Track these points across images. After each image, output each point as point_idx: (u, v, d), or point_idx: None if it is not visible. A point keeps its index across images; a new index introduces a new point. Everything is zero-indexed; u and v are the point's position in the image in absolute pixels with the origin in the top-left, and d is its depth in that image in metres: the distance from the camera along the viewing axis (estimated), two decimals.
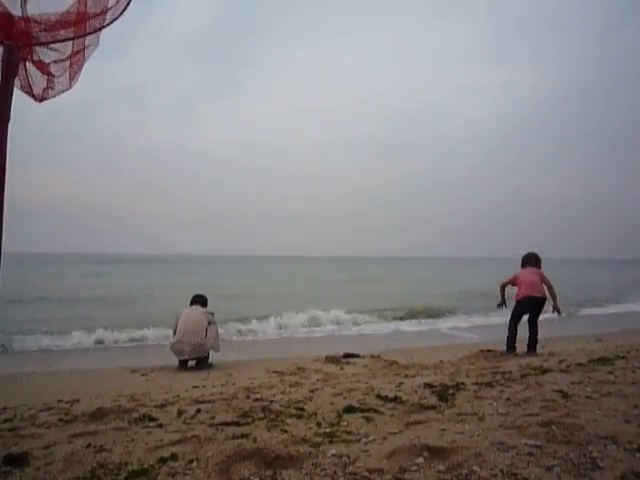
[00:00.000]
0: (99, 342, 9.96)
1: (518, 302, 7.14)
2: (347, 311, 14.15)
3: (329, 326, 12.75)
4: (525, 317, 7.16)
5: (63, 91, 2.03)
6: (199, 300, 7.56)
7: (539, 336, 7.08)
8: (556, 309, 7.26)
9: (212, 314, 7.38)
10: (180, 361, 7.01)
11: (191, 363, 7.04)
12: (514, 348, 7.00)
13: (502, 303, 7.47)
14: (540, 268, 7.32)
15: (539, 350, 6.99)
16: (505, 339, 7.13)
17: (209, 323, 7.15)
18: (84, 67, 1.98)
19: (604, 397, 3.51)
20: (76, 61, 1.94)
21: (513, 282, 7.32)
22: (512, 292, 7.34)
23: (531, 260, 7.39)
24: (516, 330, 7.07)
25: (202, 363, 7.07)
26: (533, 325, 7.10)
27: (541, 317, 7.13)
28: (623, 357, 5.49)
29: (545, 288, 7.08)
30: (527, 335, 7.08)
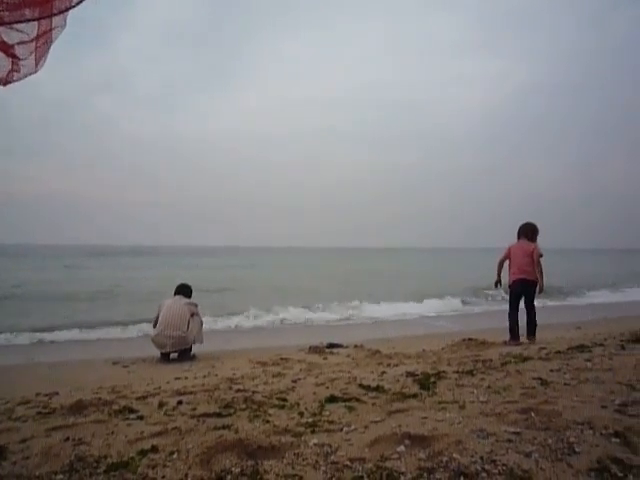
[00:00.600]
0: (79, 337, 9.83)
1: (510, 287, 6.83)
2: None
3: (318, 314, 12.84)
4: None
5: (29, 74, 1.96)
6: (183, 290, 7.44)
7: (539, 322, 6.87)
8: (539, 287, 6.79)
9: (196, 305, 7.28)
10: (162, 354, 6.96)
11: (173, 355, 7.00)
12: (518, 336, 6.76)
13: (498, 281, 7.06)
14: (535, 241, 6.85)
15: (522, 339, 7.08)
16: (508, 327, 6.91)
17: (192, 315, 7.07)
18: (50, 50, 1.91)
19: (582, 384, 3.57)
20: (42, 43, 1.87)
21: (507, 257, 6.90)
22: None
23: (527, 232, 6.86)
24: (516, 317, 6.82)
25: (184, 355, 7.02)
26: (529, 310, 6.81)
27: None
28: (601, 344, 5.59)
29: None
30: (526, 321, 6.82)
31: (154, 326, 7.13)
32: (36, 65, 1.97)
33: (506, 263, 7.00)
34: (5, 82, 1.93)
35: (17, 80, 1.96)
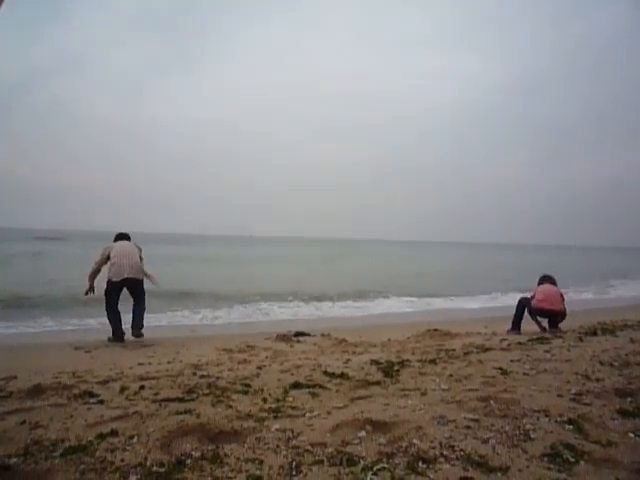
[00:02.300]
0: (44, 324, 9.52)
1: (534, 307, 7.25)
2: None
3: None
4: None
5: None
6: (125, 237, 7.50)
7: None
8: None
9: (141, 249, 7.40)
10: (115, 286, 6.92)
11: (128, 336, 6.89)
12: (519, 328, 7.18)
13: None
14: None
15: (482, 330, 7.24)
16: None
17: (140, 259, 7.22)
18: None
19: (540, 374, 3.67)
20: None
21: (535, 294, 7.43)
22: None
23: (549, 279, 7.62)
24: (523, 316, 7.27)
25: (139, 290, 7.06)
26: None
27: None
28: (560, 337, 5.76)
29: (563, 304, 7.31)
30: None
31: (98, 265, 7.12)
32: None
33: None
34: None
35: None
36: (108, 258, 7.08)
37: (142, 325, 7.06)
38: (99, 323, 7.92)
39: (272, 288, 15.78)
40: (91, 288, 7.21)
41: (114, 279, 6.95)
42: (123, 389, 3.45)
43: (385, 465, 2.04)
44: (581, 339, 5.45)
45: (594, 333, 5.98)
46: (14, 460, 2.13)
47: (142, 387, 3.47)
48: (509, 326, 7.28)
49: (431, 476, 1.95)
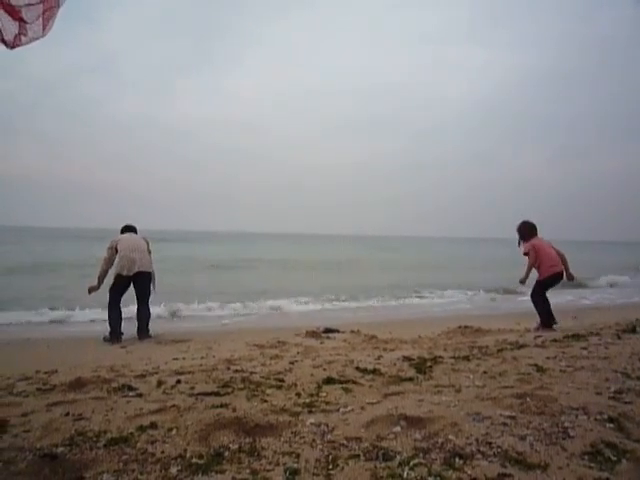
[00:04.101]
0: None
1: (542, 282, 6.85)
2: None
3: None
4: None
5: (36, 39, 1.94)
6: (131, 229, 7.43)
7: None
8: (570, 277, 6.91)
9: (149, 242, 7.31)
10: (123, 281, 6.87)
11: (126, 335, 6.93)
12: (553, 318, 6.72)
13: (525, 279, 6.92)
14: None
15: (514, 327, 7.12)
16: (538, 315, 6.85)
17: (149, 252, 7.17)
18: (58, 14, 1.88)
19: (577, 371, 3.60)
20: (49, 7, 1.85)
21: (538, 259, 6.80)
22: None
23: (535, 229, 6.97)
24: (546, 301, 6.82)
25: (146, 286, 6.99)
26: (546, 299, 6.86)
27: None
28: (597, 334, 5.63)
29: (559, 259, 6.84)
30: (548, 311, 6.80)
31: (107, 265, 6.97)
32: (43, 29, 1.95)
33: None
34: (13, 45, 1.91)
35: (24, 44, 1.94)
36: (116, 251, 6.93)
37: (148, 330, 7.02)
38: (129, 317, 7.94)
39: (299, 285, 15.86)
40: (98, 288, 7.05)
41: (124, 273, 6.80)
42: (160, 383, 3.52)
43: (421, 460, 2.04)
44: (619, 336, 5.32)
45: (633, 330, 5.82)
46: (61, 449, 2.21)
47: (178, 381, 3.54)
48: (535, 324, 6.84)
49: (469, 472, 1.93)
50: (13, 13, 1.79)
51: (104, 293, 7.10)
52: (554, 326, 6.67)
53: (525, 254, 6.95)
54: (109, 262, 6.97)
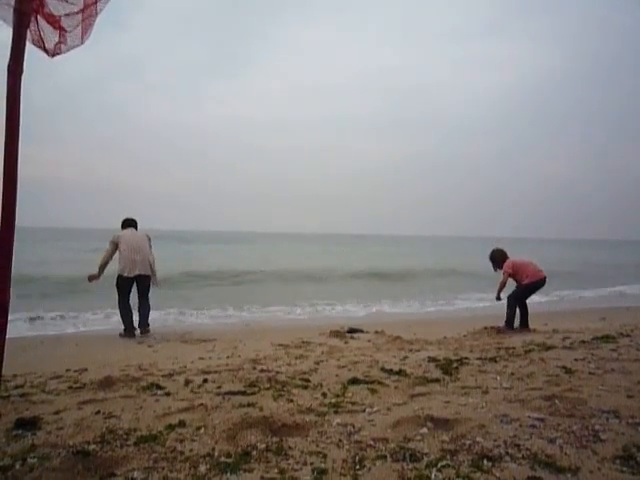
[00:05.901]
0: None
1: (528, 286, 7.26)
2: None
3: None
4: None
5: (75, 46, 2.00)
6: (132, 223, 7.55)
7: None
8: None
9: (150, 239, 7.47)
10: (126, 280, 7.06)
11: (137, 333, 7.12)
12: (513, 325, 7.19)
13: (498, 296, 7.44)
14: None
15: (541, 328, 7.02)
16: (506, 315, 7.23)
17: (150, 248, 7.34)
18: (96, 22, 1.93)
19: (607, 373, 3.54)
20: (87, 15, 1.90)
21: (513, 274, 7.28)
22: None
23: (506, 254, 7.51)
24: (524, 306, 7.30)
25: (147, 286, 7.20)
26: (525, 303, 7.35)
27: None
28: (627, 335, 5.52)
29: None
30: (519, 312, 7.27)
31: (109, 257, 7.20)
32: (82, 37, 2.00)
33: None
34: (53, 54, 1.96)
35: (65, 52, 1.99)
36: (117, 246, 7.16)
37: (148, 324, 7.27)
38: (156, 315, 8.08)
39: (322, 285, 15.87)
40: (98, 277, 7.25)
41: (125, 274, 7.07)
42: (187, 382, 3.58)
43: (449, 462, 2.03)
44: None
45: None
46: (92, 447, 2.26)
47: (205, 380, 3.59)
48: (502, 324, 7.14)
49: (497, 475, 1.92)
50: (54, 22, 1.85)
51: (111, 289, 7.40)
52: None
53: (508, 273, 7.29)
54: (110, 255, 7.27)
